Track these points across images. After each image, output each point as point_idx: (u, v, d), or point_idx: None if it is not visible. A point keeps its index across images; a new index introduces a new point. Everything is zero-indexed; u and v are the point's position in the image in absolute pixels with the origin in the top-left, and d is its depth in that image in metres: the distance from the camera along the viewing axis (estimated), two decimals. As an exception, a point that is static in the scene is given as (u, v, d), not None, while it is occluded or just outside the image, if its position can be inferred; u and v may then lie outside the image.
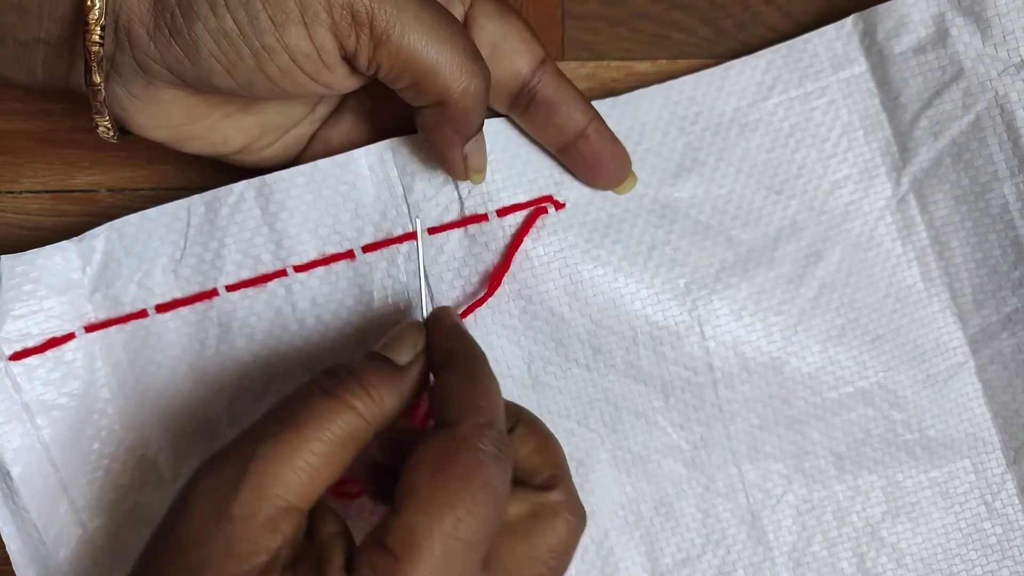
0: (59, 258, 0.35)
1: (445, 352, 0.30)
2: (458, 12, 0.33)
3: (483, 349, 0.36)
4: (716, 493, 0.38)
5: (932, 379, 0.39)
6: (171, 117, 0.32)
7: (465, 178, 0.35)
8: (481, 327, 0.37)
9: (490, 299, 0.36)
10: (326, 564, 0.26)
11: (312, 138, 0.36)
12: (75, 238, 0.35)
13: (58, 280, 0.35)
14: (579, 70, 0.40)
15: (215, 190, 0.35)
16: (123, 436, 0.36)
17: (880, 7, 0.37)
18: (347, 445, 0.27)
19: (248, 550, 0.25)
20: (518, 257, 0.36)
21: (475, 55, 0.31)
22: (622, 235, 0.37)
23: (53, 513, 0.35)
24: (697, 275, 0.37)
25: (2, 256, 0.34)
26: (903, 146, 0.38)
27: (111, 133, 0.32)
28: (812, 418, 0.38)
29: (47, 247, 0.35)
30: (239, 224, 0.35)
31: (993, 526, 0.39)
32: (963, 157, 0.37)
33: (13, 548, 0.34)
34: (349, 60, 0.31)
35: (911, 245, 0.38)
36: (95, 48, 0.29)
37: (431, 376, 0.31)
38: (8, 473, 0.34)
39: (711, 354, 0.37)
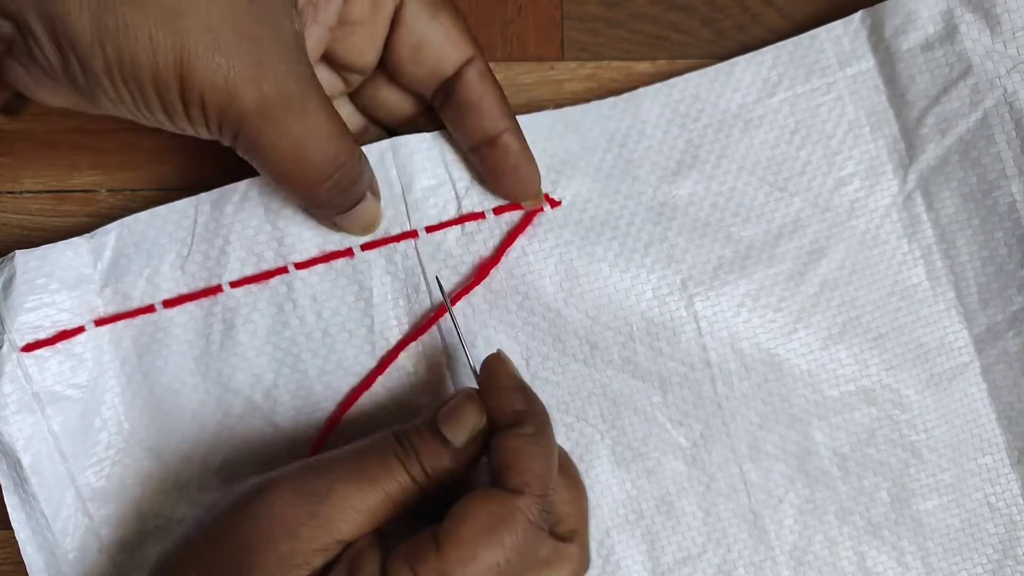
0: (71, 253, 0.35)
1: (510, 414, 0.31)
2: (388, 7, 0.33)
3: (481, 343, 0.36)
4: (717, 492, 0.38)
5: (936, 379, 0.38)
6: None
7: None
8: (479, 321, 0.37)
9: (487, 295, 0.37)
10: (359, 571, 0.28)
11: None
12: (87, 234, 0.36)
13: (69, 275, 0.35)
14: (578, 71, 0.40)
15: (222, 188, 0.36)
16: (130, 428, 0.36)
17: (888, 3, 0.37)
18: (399, 503, 0.30)
19: (298, 563, 0.29)
20: (514, 253, 0.36)
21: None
22: (619, 232, 0.37)
23: (60, 502, 0.35)
24: (694, 271, 0.37)
25: (16, 251, 0.35)
26: (910, 143, 0.38)
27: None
28: (813, 417, 0.38)
29: (59, 242, 0.35)
30: (243, 222, 0.36)
31: (996, 526, 0.38)
32: (970, 155, 0.37)
33: (23, 536, 0.35)
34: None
35: (917, 243, 0.38)
36: None
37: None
38: (19, 462, 0.34)
39: (708, 350, 0.37)
